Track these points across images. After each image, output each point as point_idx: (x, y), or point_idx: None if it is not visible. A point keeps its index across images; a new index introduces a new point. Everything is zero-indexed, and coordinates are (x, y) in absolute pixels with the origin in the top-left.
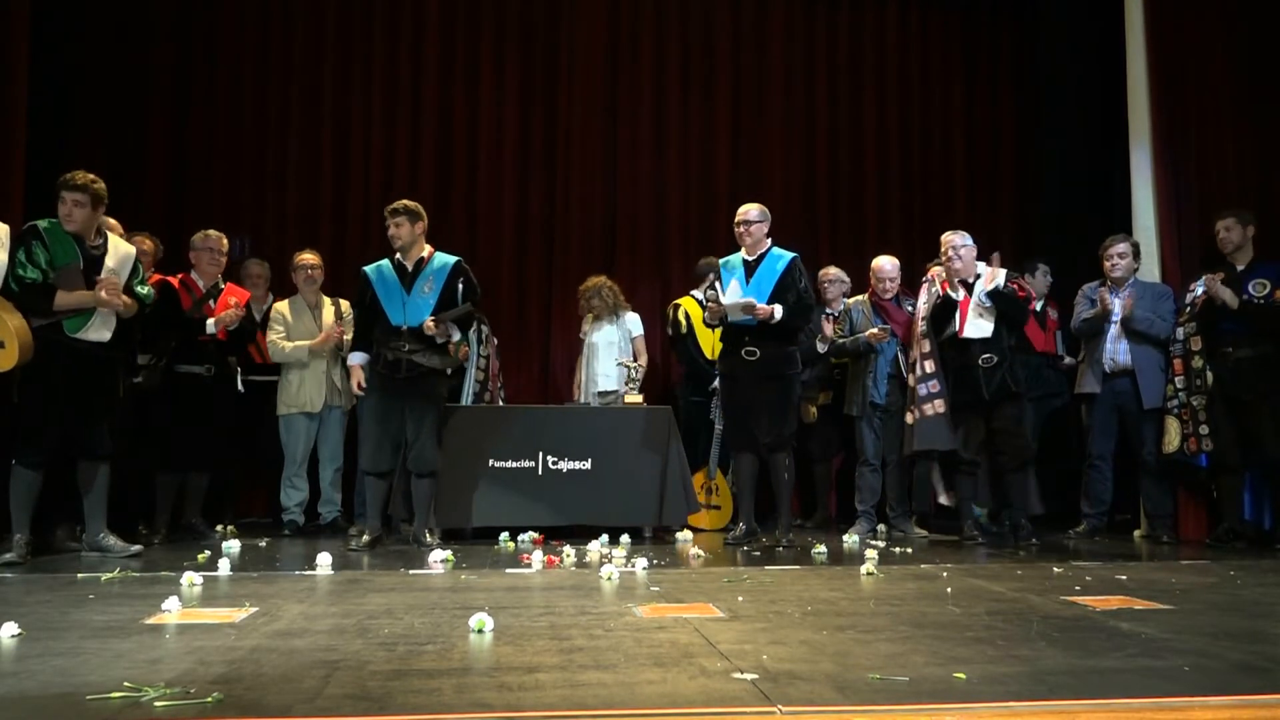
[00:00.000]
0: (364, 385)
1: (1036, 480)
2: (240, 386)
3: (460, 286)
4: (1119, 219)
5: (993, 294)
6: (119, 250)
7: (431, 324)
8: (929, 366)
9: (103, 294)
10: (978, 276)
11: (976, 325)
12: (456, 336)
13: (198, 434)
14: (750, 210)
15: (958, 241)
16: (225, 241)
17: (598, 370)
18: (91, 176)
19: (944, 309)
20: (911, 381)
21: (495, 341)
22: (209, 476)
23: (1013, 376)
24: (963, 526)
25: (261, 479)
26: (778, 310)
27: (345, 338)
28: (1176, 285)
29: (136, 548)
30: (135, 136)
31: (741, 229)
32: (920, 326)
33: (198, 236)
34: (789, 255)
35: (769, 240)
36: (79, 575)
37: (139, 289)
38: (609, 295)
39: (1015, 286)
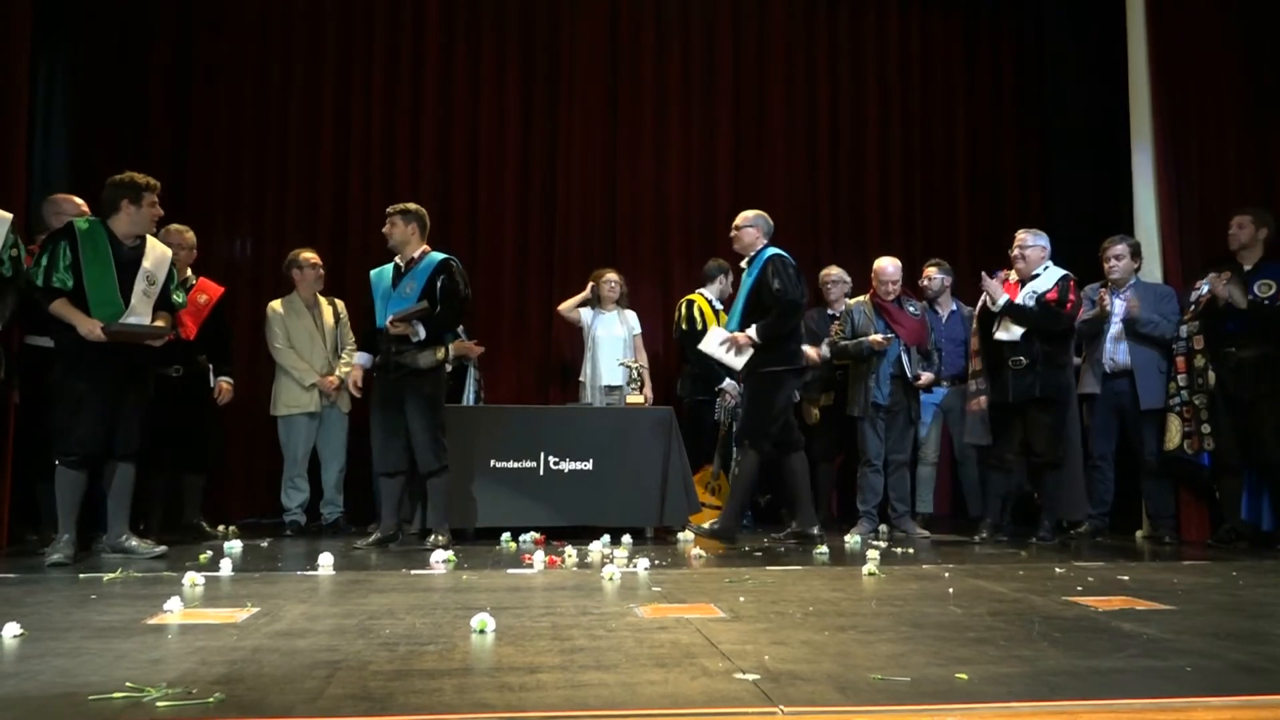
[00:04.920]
0: (359, 386)
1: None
2: (213, 385)
3: (440, 283)
4: (1121, 219)
5: (1008, 308)
6: (156, 251)
7: (389, 323)
8: (977, 364)
9: (96, 330)
10: (1035, 277)
11: (1006, 328)
12: (422, 334)
13: (178, 435)
14: (740, 216)
15: (1027, 240)
16: (191, 235)
17: (601, 365)
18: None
19: (984, 313)
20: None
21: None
22: (205, 476)
23: (1042, 381)
24: (982, 523)
25: (261, 479)
26: (752, 332)
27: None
28: (1178, 286)
29: (161, 549)
30: (135, 136)
31: (731, 234)
32: (975, 324)
33: (163, 231)
34: (767, 253)
35: (762, 242)
36: (80, 575)
37: (175, 297)
38: (620, 286)
39: (1054, 295)
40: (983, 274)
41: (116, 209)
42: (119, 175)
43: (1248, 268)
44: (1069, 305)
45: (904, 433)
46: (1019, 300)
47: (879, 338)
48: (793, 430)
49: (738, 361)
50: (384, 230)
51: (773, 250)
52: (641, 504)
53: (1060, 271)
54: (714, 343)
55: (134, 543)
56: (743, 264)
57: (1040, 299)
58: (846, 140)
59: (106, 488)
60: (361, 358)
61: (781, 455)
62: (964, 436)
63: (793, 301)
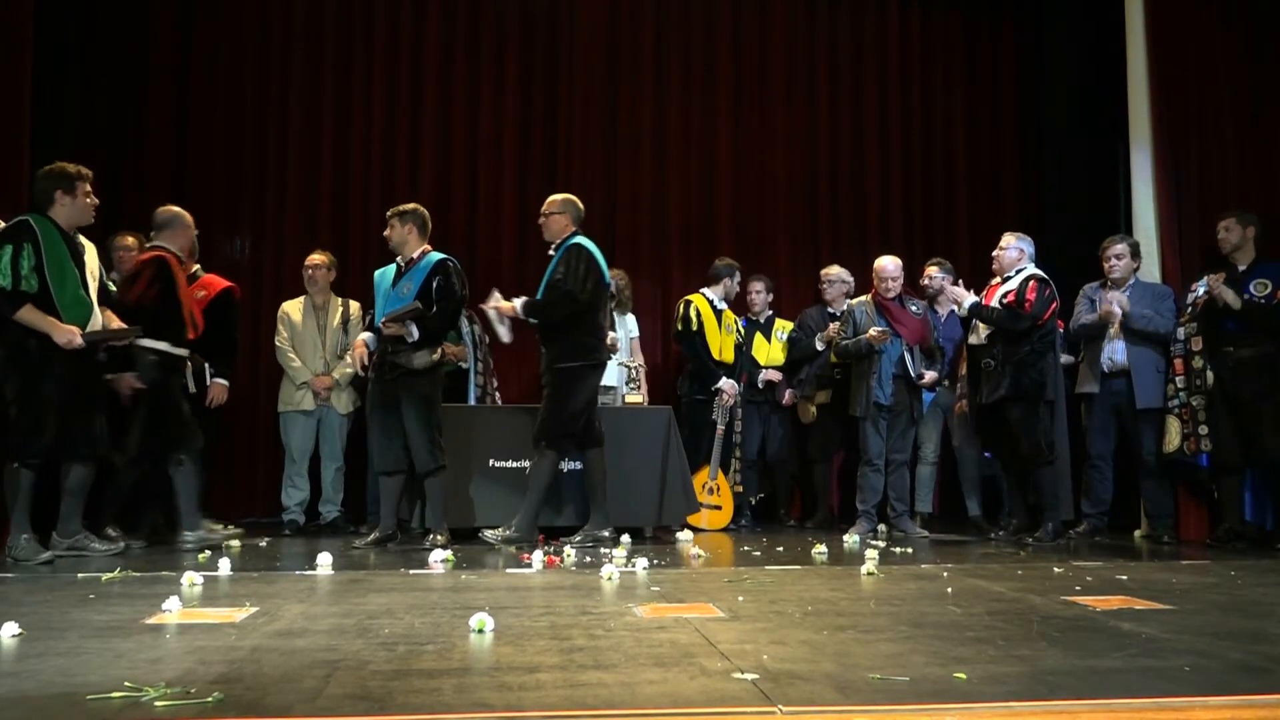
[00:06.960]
0: (366, 363)
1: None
2: (191, 386)
3: (435, 284)
4: (1119, 219)
5: (973, 310)
6: (87, 244)
7: (382, 324)
8: (963, 369)
9: (76, 338)
10: (1007, 278)
11: (976, 333)
12: (415, 334)
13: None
14: (548, 202)
15: (1006, 243)
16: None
17: None
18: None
19: (965, 318)
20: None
21: (488, 340)
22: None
23: (1009, 380)
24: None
25: (260, 479)
26: (518, 304)
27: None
28: (1177, 285)
29: (117, 546)
30: (135, 136)
31: (540, 220)
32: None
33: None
34: (570, 241)
35: (571, 229)
36: (79, 575)
37: (109, 285)
38: (626, 289)
39: (1012, 297)
40: (944, 284)
41: (51, 201)
42: (48, 166)
43: (1242, 268)
44: (1027, 305)
45: (905, 432)
46: (994, 302)
47: (875, 332)
48: (594, 425)
49: (503, 332)
50: (385, 234)
51: (577, 239)
52: (640, 504)
53: (1029, 272)
54: (492, 312)
55: (88, 541)
56: (550, 251)
57: (1002, 299)
58: (846, 140)
59: (62, 487)
60: (367, 335)
61: (581, 450)
62: (952, 440)
63: (568, 292)
